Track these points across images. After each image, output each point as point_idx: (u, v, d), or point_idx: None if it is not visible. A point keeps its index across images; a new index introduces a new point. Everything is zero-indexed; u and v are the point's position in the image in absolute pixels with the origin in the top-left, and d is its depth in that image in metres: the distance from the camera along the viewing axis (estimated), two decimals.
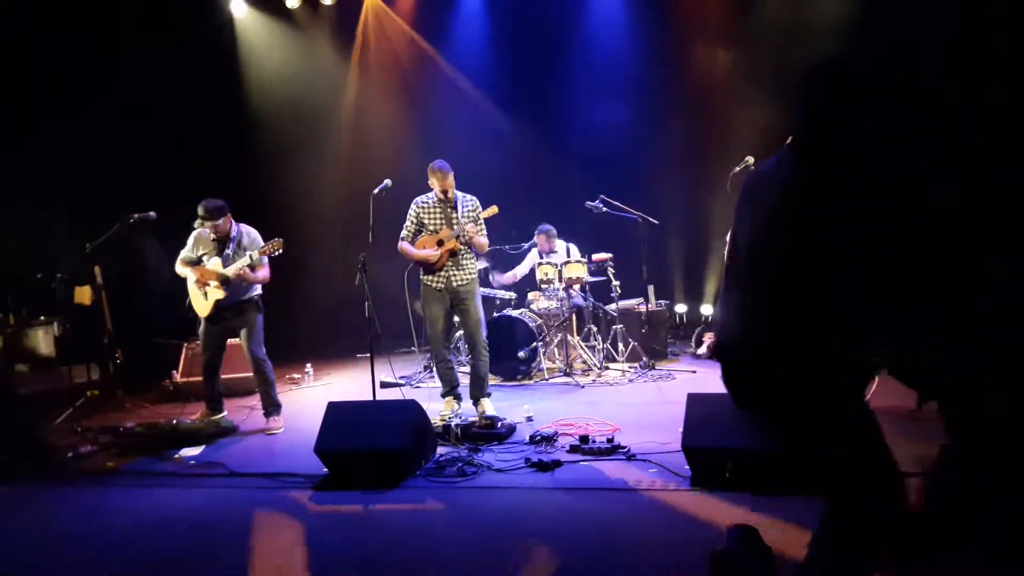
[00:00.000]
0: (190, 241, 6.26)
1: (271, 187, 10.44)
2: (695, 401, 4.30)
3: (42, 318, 8.65)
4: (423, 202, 6.02)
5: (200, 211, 6.04)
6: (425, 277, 6.05)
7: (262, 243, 6.16)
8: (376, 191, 5.90)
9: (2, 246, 8.45)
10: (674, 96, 9.80)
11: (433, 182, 5.92)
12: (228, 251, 6.12)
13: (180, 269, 6.26)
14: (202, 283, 6.09)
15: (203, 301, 6.15)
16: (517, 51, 10.29)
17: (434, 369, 6.56)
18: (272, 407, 6.23)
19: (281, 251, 6.00)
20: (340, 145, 10.61)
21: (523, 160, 10.07)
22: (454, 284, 5.97)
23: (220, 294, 6.05)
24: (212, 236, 6.12)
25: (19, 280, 8.12)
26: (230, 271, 5.96)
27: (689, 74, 9.72)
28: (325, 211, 10.36)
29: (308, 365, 8.62)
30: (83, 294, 7.79)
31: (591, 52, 10.18)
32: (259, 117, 10.48)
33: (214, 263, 6.07)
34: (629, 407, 6.17)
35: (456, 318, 6.47)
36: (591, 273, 8.11)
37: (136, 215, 6.82)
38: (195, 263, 6.19)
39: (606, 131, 9.85)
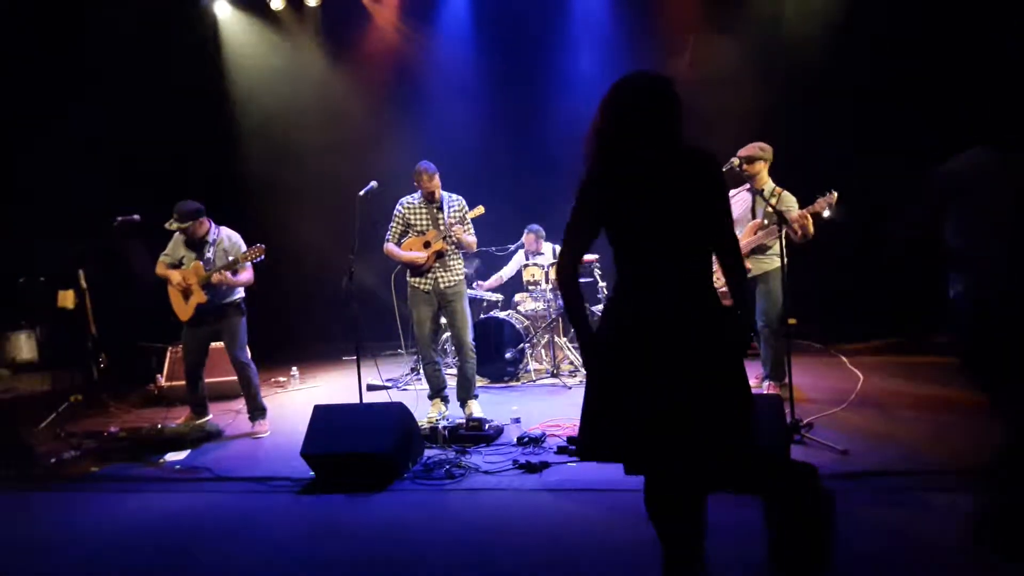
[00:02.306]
0: (171, 244, 6.22)
1: (256, 189, 10.40)
2: None
3: (24, 322, 8.58)
4: (408, 203, 6.02)
5: (176, 216, 6.00)
6: (412, 279, 6.03)
7: (243, 246, 6.12)
8: (362, 193, 5.87)
9: None
10: None
11: (419, 183, 5.93)
12: (208, 254, 6.08)
13: (161, 271, 6.22)
14: (183, 286, 6.05)
15: (183, 305, 6.11)
16: (502, 51, 10.29)
17: (421, 371, 6.55)
18: (257, 411, 6.19)
19: (263, 257, 5.97)
20: (325, 146, 10.56)
21: (508, 161, 10.07)
22: (441, 286, 5.96)
23: (202, 298, 6.00)
24: (186, 239, 6.11)
25: (1, 284, 8.04)
26: (211, 275, 5.93)
27: (673, 73, 9.73)
28: (311, 213, 10.31)
29: (294, 368, 8.57)
30: (66, 298, 7.69)
31: (576, 52, 10.20)
32: (244, 119, 10.42)
33: (195, 266, 6.03)
34: None
35: (443, 320, 6.46)
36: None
37: (120, 218, 6.76)
38: (176, 266, 6.15)
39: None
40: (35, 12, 8.75)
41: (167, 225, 6.07)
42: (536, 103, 10.26)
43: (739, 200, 5.76)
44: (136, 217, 6.86)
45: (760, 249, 5.60)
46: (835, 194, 5.16)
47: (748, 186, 5.70)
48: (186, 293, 6.07)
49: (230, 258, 5.98)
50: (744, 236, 5.58)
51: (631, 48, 9.96)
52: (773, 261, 5.50)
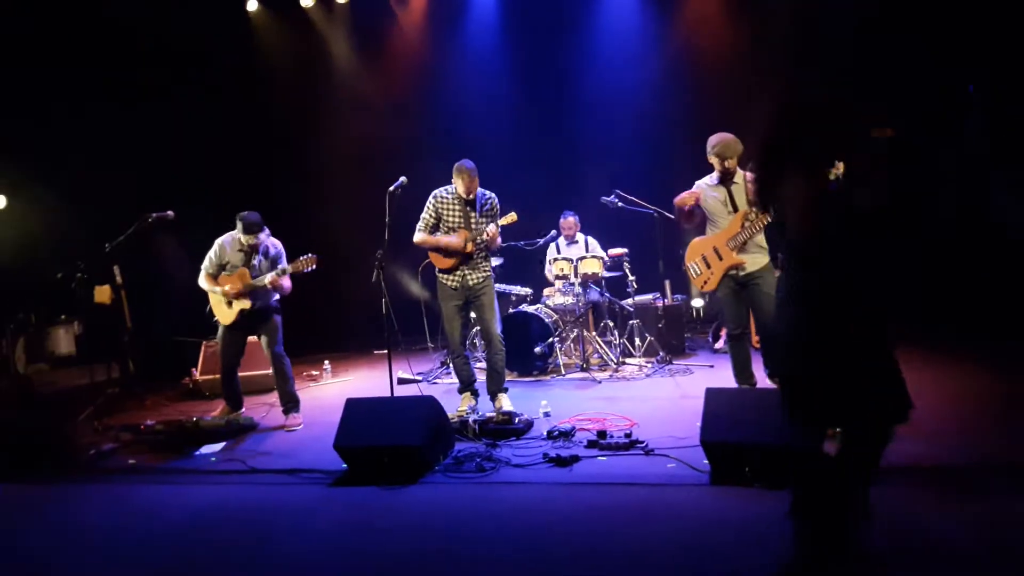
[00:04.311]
0: (214, 252, 6.26)
1: (287, 185, 10.48)
2: (713, 395, 4.28)
3: (63, 317, 8.75)
4: (442, 196, 6.01)
5: (241, 226, 6.08)
6: (441, 275, 6.06)
7: (284, 253, 6.29)
8: (392, 188, 5.91)
9: (23, 246, 8.55)
10: (689, 90, 9.77)
11: (458, 182, 5.89)
12: (255, 262, 6.19)
13: (205, 283, 6.26)
14: (230, 296, 6.13)
15: (227, 310, 6.22)
16: (531, 45, 10.28)
17: (451, 365, 6.57)
18: (291, 403, 6.27)
19: (314, 268, 6.07)
20: (356, 142, 10.63)
21: (538, 155, 10.05)
22: (470, 282, 5.98)
23: (246, 304, 6.13)
24: (240, 248, 6.19)
25: (40, 280, 8.20)
26: (266, 280, 6.02)
27: (705, 67, 9.68)
28: (341, 208, 10.38)
29: (326, 362, 8.65)
30: (103, 293, 7.84)
31: (606, 46, 10.15)
32: (275, 115, 10.50)
33: (240, 273, 6.14)
34: (647, 402, 6.16)
35: (472, 314, 6.47)
36: (607, 268, 8.10)
37: (154, 214, 6.87)
38: (219, 272, 6.23)
39: (621, 125, 9.82)
40: (68, 10, 8.88)
41: (243, 239, 6.13)
42: (566, 96, 10.25)
43: (717, 194, 5.51)
44: (170, 214, 6.97)
45: (751, 244, 5.36)
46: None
47: (717, 179, 5.50)
48: (230, 300, 6.18)
49: (281, 266, 6.11)
50: (730, 229, 5.40)
51: (663, 43, 9.91)
52: (764, 255, 5.38)
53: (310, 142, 10.68)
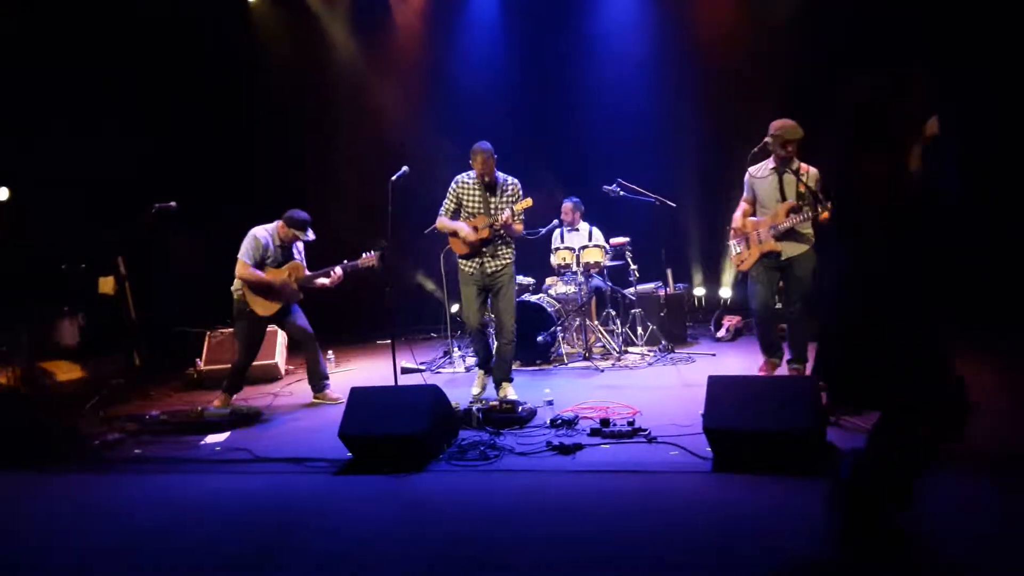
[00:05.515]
0: (250, 245, 6.33)
1: (289, 175, 10.49)
2: (716, 383, 4.29)
3: (67, 309, 8.78)
4: (463, 182, 6.01)
5: (295, 224, 6.33)
6: (460, 261, 6.09)
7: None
8: (394, 178, 5.91)
9: (27, 238, 8.57)
10: (690, 78, 9.75)
11: (473, 163, 5.91)
12: (297, 257, 6.52)
13: (250, 273, 6.29)
14: (292, 285, 6.39)
15: (267, 303, 6.36)
16: (534, 33, 10.26)
17: (452, 356, 6.57)
18: (325, 379, 6.62)
19: (374, 265, 6.39)
20: (358, 131, 10.63)
21: (540, 144, 10.05)
22: (488, 270, 5.99)
23: (299, 296, 6.47)
24: (280, 243, 6.40)
25: (44, 271, 8.22)
26: (339, 272, 6.51)
27: (706, 55, 9.66)
28: (343, 198, 10.39)
29: (330, 352, 8.66)
30: (107, 284, 7.87)
31: (608, 34, 10.14)
32: (276, 106, 10.50)
33: (294, 266, 6.47)
34: (649, 390, 6.18)
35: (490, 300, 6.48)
36: (609, 257, 8.10)
37: (158, 205, 6.88)
38: (261, 265, 6.38)
39: (623, 114, 9.81)
40: (68, 5, 8.88)
41: (283, 235, 6.40)
42: (568, 85, 10.23)
43: (767, 182, 5.65)
44: (173, 204, 6.99)
45: (792, 233, 5.49)
46: None
47: (772, 165, 5.62)
48: (282, 291, 6.36)
49: (348, 263, 6.56)
50: (776, 218, 5.50)
51: (665, 31, 9.89)
52: (804, 243, 5.46)
53: (312, 133, 10.68)
